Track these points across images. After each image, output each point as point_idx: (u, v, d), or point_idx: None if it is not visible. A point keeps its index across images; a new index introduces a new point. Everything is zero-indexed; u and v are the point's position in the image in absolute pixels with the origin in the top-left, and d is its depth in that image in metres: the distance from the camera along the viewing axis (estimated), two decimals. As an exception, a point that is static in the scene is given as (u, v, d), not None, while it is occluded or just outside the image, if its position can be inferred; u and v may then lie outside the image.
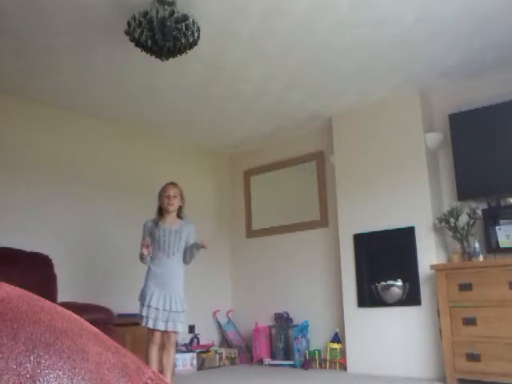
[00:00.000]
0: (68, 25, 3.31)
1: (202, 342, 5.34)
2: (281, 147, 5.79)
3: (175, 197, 3.53)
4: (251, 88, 4.39)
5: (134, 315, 4.59)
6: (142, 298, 3.38)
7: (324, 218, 5.27)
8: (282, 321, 5.24)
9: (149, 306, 3.30)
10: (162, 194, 3.55)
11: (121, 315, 4.38)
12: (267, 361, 5.11)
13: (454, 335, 3.70)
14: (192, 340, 5.27)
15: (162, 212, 3.56)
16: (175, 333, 3.41)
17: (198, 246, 3.51)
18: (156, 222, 3.53)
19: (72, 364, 0.34)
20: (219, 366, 5.10)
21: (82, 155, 4.79)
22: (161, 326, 3.31)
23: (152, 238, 3.49)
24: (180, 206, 3.58)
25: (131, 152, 5.23)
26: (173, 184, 3.60)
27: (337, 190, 4.90)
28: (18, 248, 3.67)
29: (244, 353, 5.37)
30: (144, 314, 3.31)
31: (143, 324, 3.32)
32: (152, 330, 3.32)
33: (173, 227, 3.50)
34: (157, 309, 3.30)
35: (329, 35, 3.57)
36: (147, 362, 3.28)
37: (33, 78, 4.06)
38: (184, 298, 3.45)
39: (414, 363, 4.16)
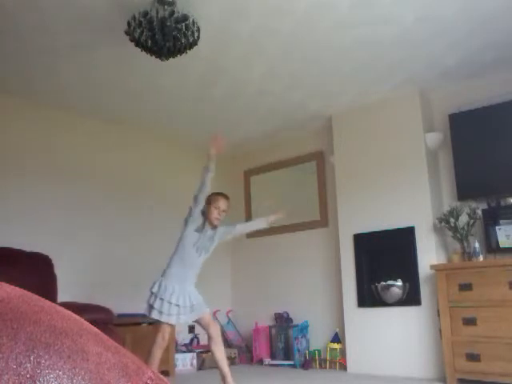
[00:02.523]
0: (68, 25, 3.31)
1: (202, 342, 5.34)
2: (281, 147, 5.79)
3: (224, 211, 3.39)
4: (251, 88, 4.39)
5: (134, 315, 4.59)
6: (160, 290, 3.19)
7: (324, 218, 5.27)
8: (282, 321, 5.24)
9: (170, 303, 3.15)
10: (213, 203, 3.37)
11: (121, 315, 4.38)
12: (267, 361, 5.11)
13: (454, 335, 3.70)
14: (192, 340, 5.27)
15: (204, 216, 3.38)
16: (208, 314, 3.30)
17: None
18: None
19: (72, 364, 0.34)
20: (219, 366, 5.09)
21: (82, 155, 4.79)
22: (184, 320, 3.22)
23: (191, 238, 3.31)
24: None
25: (131, 152, 5.23)
26: (226, 197, 3.45)
27: (337, 190, 4.90)
28: (18, 248, 3.67)
29: (244, 353, 5.37)
30: (165, 310, 3.14)
31: (160, 318, 3.14)
32: (165, 327, 3.18)
33: (211, 232, 3.42)
34: (177, 305, 3.17)
35: (329, 35, 3.57)
36: (150, 361, 3.19)
37: (33, 78, 4.06)
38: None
39: (414, 363, 4.16)
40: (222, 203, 3.38)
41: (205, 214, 3.38)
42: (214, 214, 3.35)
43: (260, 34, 3.50)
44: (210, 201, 3.39)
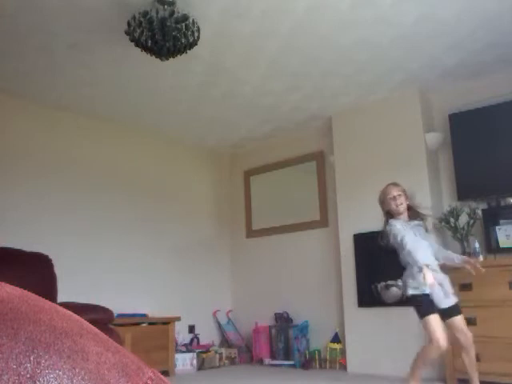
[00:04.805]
0: (68, 25, 3.31)
1: (202, 342, 5.34)
2: (281, 147, 5.79)
3: (399, 195, 3.20)
4: (251, 88, 4.39)
5: (134, 315, 4.59)
6: None
7: (324, 218, 5.27)
8: (282, 321, 5.24)
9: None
10: (386, 198, 3.24)
11: (121, 315, 4.38)
12: (267, 361, 5.11)
13: (454, 335, 3.69)
14: (192, 340, 5.27)
15: (391, 216, 3.24)
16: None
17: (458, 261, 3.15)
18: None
19: (72, 364, 0.34)
20: (219, 366, 5.09)
21: (82, 155, 4.79)
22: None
23: (409, 236, 3.09)
24: (410, 206, 3.23)
25: (131, 152, 5.23)
26: (392, 184, 3.31)
27: (337, 190, 4.90)
28: (18, 248, 3.67)
29: (244, 353, 5.36)
30: None
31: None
32: None
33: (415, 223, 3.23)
34: None
35: (329, 35, 3.57)
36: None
37: (33, 78, 4.06)
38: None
39: (414, 363, 4.15)
40: (390, 191, 3.22)
41: (389, 213, 3.26)
42: (392, 205, 3.21)
43: (260, 34, 3.50)
44: (382, 200, 3.30)
